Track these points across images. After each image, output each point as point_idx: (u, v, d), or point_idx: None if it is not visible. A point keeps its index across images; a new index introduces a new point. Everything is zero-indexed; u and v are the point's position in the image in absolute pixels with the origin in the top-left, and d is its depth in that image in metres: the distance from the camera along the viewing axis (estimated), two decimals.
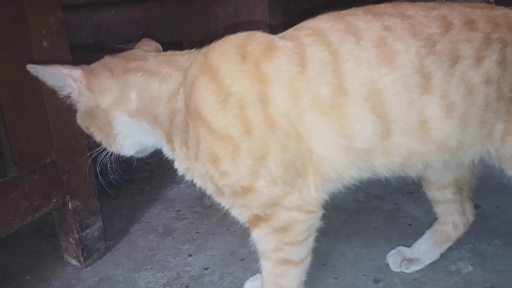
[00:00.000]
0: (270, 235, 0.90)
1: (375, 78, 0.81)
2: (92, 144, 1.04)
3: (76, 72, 0.90)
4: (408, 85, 0.82)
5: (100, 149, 1.00)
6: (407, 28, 0.83)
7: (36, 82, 1.11)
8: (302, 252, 0.92)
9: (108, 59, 0.94)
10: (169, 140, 0.91)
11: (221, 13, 1.63)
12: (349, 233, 1.35)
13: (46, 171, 1.16)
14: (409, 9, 0.87)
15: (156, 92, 0.89)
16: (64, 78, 0.90)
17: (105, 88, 0.90)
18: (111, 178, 1.73)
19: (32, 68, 0.91)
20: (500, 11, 0.90)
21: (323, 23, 0.86)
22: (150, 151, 1.02)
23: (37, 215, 1.16)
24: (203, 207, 1.57)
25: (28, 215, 1.13)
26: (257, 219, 0.88)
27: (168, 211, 1.56)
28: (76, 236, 1.26)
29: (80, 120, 0.96)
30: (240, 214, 0.91)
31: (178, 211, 1.56)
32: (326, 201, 1.48)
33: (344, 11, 0.89)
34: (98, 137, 0.96)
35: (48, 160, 1.17)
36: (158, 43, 1.04)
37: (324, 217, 1.41)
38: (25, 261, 1.33)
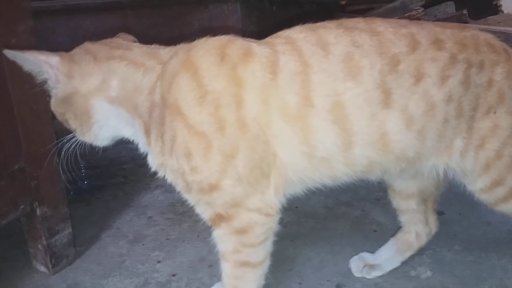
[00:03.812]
0: (229, 236, 0.93)
1: (340, 91, 0.85)
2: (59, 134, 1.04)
3: (53, 59, 0.91)
4: (371, 99, 0.86)
5: (66, 138, 1.01)
6: (374, 45, 0.87)
7: (4, 89, 1.13)
8: (260, 254, 0.95)
9: (89, 45, 0.96)
10: (147, 132, 0.93)
11: (195, 22, 1.66)
12: (316, 239, 1.38)
13: (14, 177, 1.16)
14: (380, 25, 0.90)
15: (139, 83, 0.91)
16: (41, 65, 0.91)
17: (86, 72, 0.91)
18: (84, 184, 1.74)
19: (10, 54, 0.93)
20: (470, 32, 0.95)
21: (297, 33, 0.90)
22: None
23: (4, 221, 1.16)
24: (175, 213, 1.58)
25: None
26: (219, 219, 0.91)
27: (140, 217, 1.57)
28: (45, 242, 1.26)
29: (55, 106, 0.97)
30: (204, 212, 0.94)
31: (150, 217, 1.57)
32: (296, 207, 1.53)
33: (318, 23, 0.93)
34: (72, 124, 0.97)
35: (16, 166, 1.17)
36: (135, 38, 1.05)
37: (293, 223, 1.47)
38: None
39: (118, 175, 1.90)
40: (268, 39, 0.93)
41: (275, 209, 0.92)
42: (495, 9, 3.41)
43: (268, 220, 0.92)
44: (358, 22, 0.92)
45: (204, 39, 0.91)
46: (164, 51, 0.94)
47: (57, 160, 1.23)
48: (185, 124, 0.86)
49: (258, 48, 0.88)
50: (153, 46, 0.97)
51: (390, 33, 0.89)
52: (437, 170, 0.97)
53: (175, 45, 0.97)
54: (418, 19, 3.05)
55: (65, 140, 1.03)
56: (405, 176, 1.08)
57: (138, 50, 0.95)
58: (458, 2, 3.18)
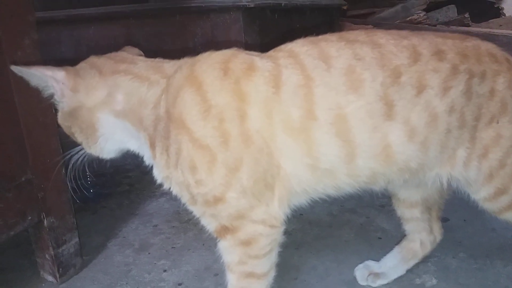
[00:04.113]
0: (235, 248, 0.93)
1: (342, 104, 0.86)
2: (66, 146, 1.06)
3: (59, 74, 0.92)
4: (373, 112, 0.86)
5: (73, 151, 1.02)
6: (376, 58, 0.87)
7: (10, 102, 1.14)
8: (265, 266, 0.95)
9: (94, 59, 0.97)
10: (152, 145, 0.94)
11: (198, 32, 1.67)
12: (321, 247, 1.39)
13: (21, 189, 1.18)
14: (382, 37, 0.91)
15: (144, 97, 0.92)
16: (47, 80, 0.93)
17: (91, 86, 0.92)
18: (90, 193, 1.75)
19: (16, 69, 0.95)
20: (471, 42, 0.95)
21: (299, 47, 0.91)
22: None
23: (12, 232, 1.17)
24: (181, 221, 1.59)
25: (2, 233, 1.14)
26: (224, 230, 0.92)
27: (146, 226, 1.58)
28: (52, 252, 1.27)
29: (62, 120, 0.99)
30: (209, 224, 0.95)
31: (156, 226, 1.58)
32: (301, 215, 1.54)
33: (319, 37, 0.93)
34: (79, 138, 0.98)
35: (23, 178, 1.18)
36: (140, 51, 1.06)
37: (298, 231, 1.47)
38: (0, 277, 1.33)
39: (123, 183, 1.91)
40: (270, 52, 0.94)
41: (280, 221, 0.92)
42: (497, 13, 3.42)
43: (273, 232, 0.92)
44: (359, 34, 0.93)
45: (207, 53, 0.92)
46: (169, 65, 0.96)
47: (64, 172, 1.24)
48: (190, 137, 0.87)
49: (261, 62, 0.89)
50: (157, 60, 0.99)
51: (392, 45, 0.89)
52: (440, 180, 0.97)
53: (179, 55, 0.98)
54: (420, 22, 3.06)
55: (73, 153, 1.04)
56: (409, 185, 1.08)
57: (143, 64, 0.96)
58: (460, 5, 3.19)
